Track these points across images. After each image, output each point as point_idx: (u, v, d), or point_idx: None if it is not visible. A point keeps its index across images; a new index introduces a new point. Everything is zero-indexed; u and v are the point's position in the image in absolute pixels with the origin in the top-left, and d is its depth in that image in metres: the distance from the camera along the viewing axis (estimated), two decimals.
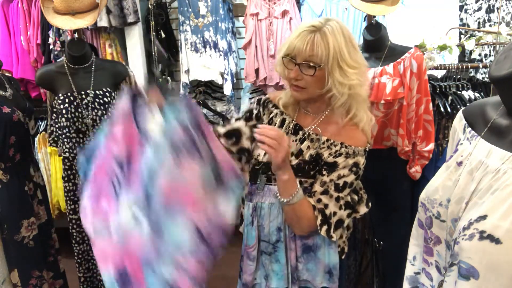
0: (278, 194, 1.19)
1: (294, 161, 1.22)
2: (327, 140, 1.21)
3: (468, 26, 2.89)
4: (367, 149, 1.24)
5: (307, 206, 1.18)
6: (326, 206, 1.19)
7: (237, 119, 1.39)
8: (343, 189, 1.19)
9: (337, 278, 1.28)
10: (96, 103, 1.95)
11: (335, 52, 1.09)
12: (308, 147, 1.22)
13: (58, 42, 2.78)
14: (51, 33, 2.79)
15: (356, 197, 1.27)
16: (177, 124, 0.98)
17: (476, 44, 2.39)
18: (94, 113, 1.94)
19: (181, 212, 0.96)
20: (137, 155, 1.01)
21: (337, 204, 1.19)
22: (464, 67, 2.28)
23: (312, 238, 1.23)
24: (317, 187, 1.19)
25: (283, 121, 1.30)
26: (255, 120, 1.35)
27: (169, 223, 0.95)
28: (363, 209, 1.31)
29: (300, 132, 1.25)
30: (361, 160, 1.21)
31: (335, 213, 1.19)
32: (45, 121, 2.97)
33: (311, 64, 1.11)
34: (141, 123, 1.04)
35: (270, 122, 1.31)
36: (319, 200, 1.19)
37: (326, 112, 1.24)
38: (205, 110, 3.06)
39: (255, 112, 1.36)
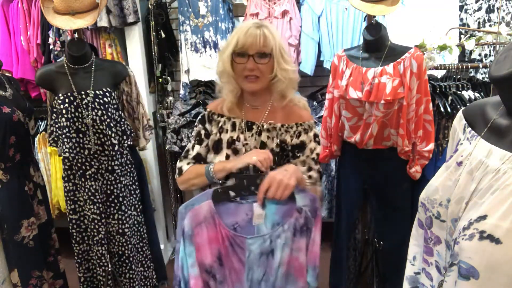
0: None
1: None
2: (282, 126, 1.34)
3: (468, 26, 2.89)
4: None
5: (316, 189, 1.32)
6: (314, 178, 1.35)
7: (191, 148, 1.45)
8: (317, 160, 1.38)
9: None
10: (96, 103, 1.95)
11: (279, 44, 1.29)
12: (268, 137, 1.34)
13: (58, 42, 2.78)
14: (51, 33, 2.79)
15: None
16: (303, 210, 1.19)
17: (476, 44, 2.39)
18: (94, 113, 1.94)
19: (298, 278, 1.20)
20: (229, 253, 1.17)
21: (319, 174, 1.37)
22: (464, 67, 2.28)
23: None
24: (301, 168, 1.32)
25: (233, 124, 1.38)
26: (206, 140, 1.42)
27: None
28: None
29: (254, 127, 1.34)
30: (317, 131, 1.40)
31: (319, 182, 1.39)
32: (45, 121, 2.97)
33: (266, 53, 1.25)
34: (227, 218, 1.17)
35: (221, 131, 1.38)
36: (309, 177, 1.33)
37: (271, 102, 1.37)
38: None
39: (203, 132, 1.43)
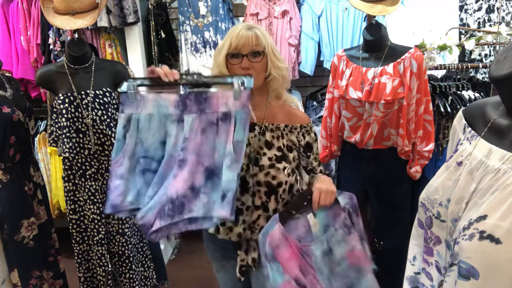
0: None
1: (271, 153, 1.33)
2: (286, 126, 1.38)
3: (468, 26, 2.89)
4: None
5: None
6: (323, 168, 1.46)
7: None
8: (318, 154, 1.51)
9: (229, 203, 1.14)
10: (96, 103, 1.95)
11: (271, 43, 1.33)
12: (273, 137, 1.36)
13: (58, 42, 2.78)
14: (51, 33, 2.79)
15: None
16: (346, 208, 1.31)
17: (476, 44, 2.39)
18: (94, 113, 1.94)
19: (365, 268, 1.30)
20: (307, 267, 1.24)
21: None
22: (464, 67, 2.28)
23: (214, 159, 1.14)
24: (315, 164, 1.44)
25: None
26: None
27: (361, 280, 1.29)
28: None
29: (256, 127, 1.35)
30: (315, 130, 1.49)
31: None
32: (45, 121, 2.97)
33: (259, 51, 1.30)
34: (293, 234, 1.26)
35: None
36: (321, 171, 1.45)
37: (268, 102, 1.40)
38: None
39: None
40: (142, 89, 1.15)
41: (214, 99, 1.12)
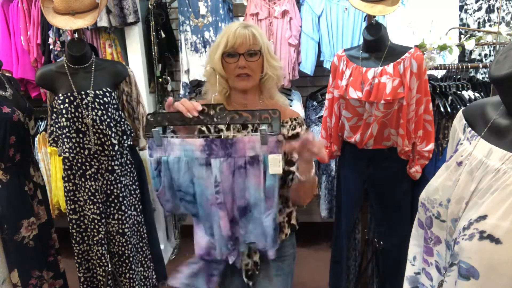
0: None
1: None
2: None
3: (468, 26, 2.88)
4: None
5: (316, 177, 1.33)
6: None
7: None
8: None
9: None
10: (96, 103, 1.95)
11: (266, 43, 1.33)
12: None
13: (58, 42, 2.78)
14: (51, 33, 2.79)
15: None
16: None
17: (476, 44, 2.39)
18: (94, 113, 1.94)
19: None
20: None
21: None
22: (464, 67, 2.28)
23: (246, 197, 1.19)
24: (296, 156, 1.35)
25: (228, 124, 1.39)
26: None
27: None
28: None
29: (249, 125, 1.36)
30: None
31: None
32: (45, 121, 2.97)
33: (255, 50, 1.29)
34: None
35: (216, 131, 1.38)
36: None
37: (261, 101, 1.40)
38: None
39: None
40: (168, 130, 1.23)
41: (241, 144, 1.13)
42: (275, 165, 1.11)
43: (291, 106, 2.86)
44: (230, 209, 1.18)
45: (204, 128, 1.36)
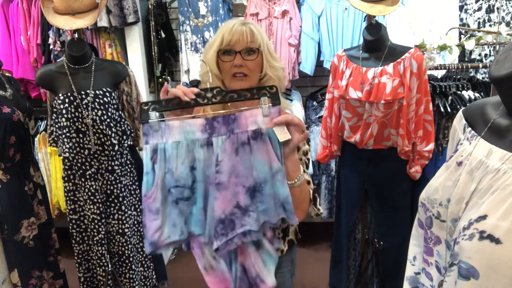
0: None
1: None
2: None
3: (468, 26, 2.89)
4: None
5: (307, 185, 1.19)
6: (309, 182, 1.23)
7: None
8: (308, 164, 1.31)
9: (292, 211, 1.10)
10: (96, 103, 1.95)
11: (266, 41, 1.24)
12: None
13: (58, 42, 2.78)
14: (51, 33, 2.79)
15: None
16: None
17: (476, 44, 2.39)
18: (94, 113, 1.94)
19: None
20: None
21: (310, 178, 1.26)
22: (464, 67, 2.28)
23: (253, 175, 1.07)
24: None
25: None
26: None
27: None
28: None
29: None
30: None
31: (314, 188, 1.27)
32: (45, 121, 2.97)
33: (253, 48, 1.20)
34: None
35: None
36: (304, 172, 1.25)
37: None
38: None
39: None
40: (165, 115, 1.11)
41: (243, 118, 1.06)
42: (282, 132, 1.04)
43: (291, 106, 2.85)
44: (232, 193, 1.07)
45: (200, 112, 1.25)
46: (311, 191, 1.22)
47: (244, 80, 1.22)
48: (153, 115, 1.05)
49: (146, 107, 1.06)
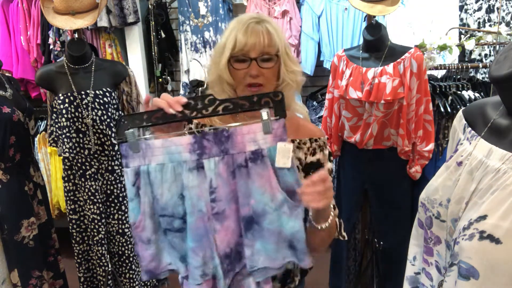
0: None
1: None
2: (293, 141, 1.07)
3: (468, 26, 2.89)
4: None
5: (335, 220, 1.05)
6: (334, 207, 1.07)
7: None
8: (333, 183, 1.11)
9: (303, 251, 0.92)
10: (96, 103, 1.95)
11: (284, 42, 1.06)
12: None
13: (58, 42, 2.78)
14: (51, 33, 2.79)
15: None
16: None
17: (476, 44, 2.39)
18: (94, 113, 1.95)
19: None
20: None
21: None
22: (464, 67, 2.28)
23: (249, 203, 0.90)
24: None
25: None
26: None
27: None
28: None
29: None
30: (330, 150, 1.15)
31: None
32: (45, 121, 2.97)
33: (271, 55, 1.03)
34: None
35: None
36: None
37: None
38: None
39: None
40: (147, 133, 0.97)
41: (239, 136, 0.88)
42: (284, 156, 0.87)
43: (306, 110, 2.80)
44: (233, 221, 0.91)
45: (191, 126, 1.11)
46: (336, 219, 1.07)
47: (260, 91, 1.04)
48: (130, 135, 0.89)
49: (123, 123, 0.90)
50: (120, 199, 2.08)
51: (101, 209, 2.05)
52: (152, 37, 2.98)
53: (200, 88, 3.09)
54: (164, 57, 3.15)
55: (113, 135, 2.00)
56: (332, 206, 1.02)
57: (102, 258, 2.10)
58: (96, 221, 2.05)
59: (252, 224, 0.90)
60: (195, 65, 2.99)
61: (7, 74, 2.42)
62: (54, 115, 1.99)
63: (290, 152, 0.87)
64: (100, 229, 2.06)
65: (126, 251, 2.13)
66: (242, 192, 0.90)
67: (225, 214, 0.90)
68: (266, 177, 0.88)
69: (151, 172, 0.90)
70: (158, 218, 0.93)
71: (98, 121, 1.95)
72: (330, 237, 1.04)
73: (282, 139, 0.88)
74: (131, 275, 2.17)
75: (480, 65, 2.32)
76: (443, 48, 2.30)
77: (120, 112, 2.07)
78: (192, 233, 0.91)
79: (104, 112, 1.96)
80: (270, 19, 1.07)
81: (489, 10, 2.81)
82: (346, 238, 1.10)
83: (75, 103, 1.93)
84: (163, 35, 3.09)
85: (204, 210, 0.90)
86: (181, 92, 3.07)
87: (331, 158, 1.15)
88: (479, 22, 2.86)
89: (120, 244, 2.12)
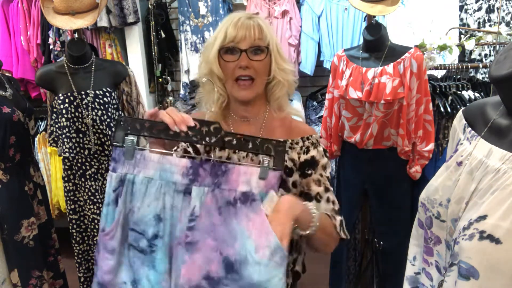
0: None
1: None
2: (285, 141, 1.03)
3: (468, 26, 2.89)
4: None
5: (326, 219, 1.02)
6: (334, 203, 1.07)
7: None
8: (330, 180, 1.13)
9: None
10: (96, 103, 1.95)
11: (276, 39, 1.07)
12: None
13: (58, 42, 2.78)
14: (51, 33, 2.79)
15: None
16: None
17: (476, 44, 2.39)
18: (94, 113, 1.95)
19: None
20: None
21: (335, 197, 1.11)
22: (464, 67, 2.28)
23: (233, 246, 0.86)
24: (316, 188, 1.07)
25: None
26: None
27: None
28: None
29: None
30: (324, 146, 1.14)
31: (339, 208, 1.10)
32: (45, 121, 2.97)
33: (262, 47, 1.03)
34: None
35: (207, 150, 1.09)
36: (328, 200, 1.07)
37: (266, 114, 1.12)
38: None
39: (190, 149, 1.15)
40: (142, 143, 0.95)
41: (235, 174, 0.87)
42: (270, 206, 0.86)
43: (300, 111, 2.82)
44: (204, 258, 0.86)
45: (189, 149, 1.10)
46: (336, 216, 1.05)
47: (250, 87, 1.04)
48: (130, 141, 0.88)
49: (123, 125, 0.88)
50: None
51: (101, 209, 2.05)
52: (152, 37, 2.98)
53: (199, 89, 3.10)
54: (164, 57, 3.15)
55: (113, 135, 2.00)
56: (326, 189, 1.05)
57: None
58: (96, 221, 2.05)
59: (231, 270, 0.85)
60: (195, 65, 3.00)
61: (7, 74, 2.42)
62: (54, 115, 1.99)
63: (274, 198, 0.87)
64: None
65: None
66: (226, 230, 0.86)
67: (197, 246, 0.86)
68: (254, 221, 0.85)
69: (136, 183, 0.88)
70: (128, 231, 0.90)
71: (98, 121, 1.95)
72: (330, 236, 1.02)
73: (274, 189, 0.88)
74: None
75: (480, 65, 2.32)
76: (443, 48, 2.30)
77: (120, 112, 2.07)
78: (167, 258, 0.89)
79: (104, 112, 1.96)
80: (261, 17, 1.08)
81: (489, 10, 2.81)
82: (348, 237, 1.08)
83: (75, 103, 1.93)
84: (163, 35, 3.09)
85: (178, 235, 0.88)
86: (181, 92, 3.07)
87: (327, 154, 1.15)
88: (479, 22, 2.86)
89: None
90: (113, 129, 0.91)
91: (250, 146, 0.89)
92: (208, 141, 0.89)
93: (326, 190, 1.08)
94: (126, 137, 0.88)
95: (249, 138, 0.89)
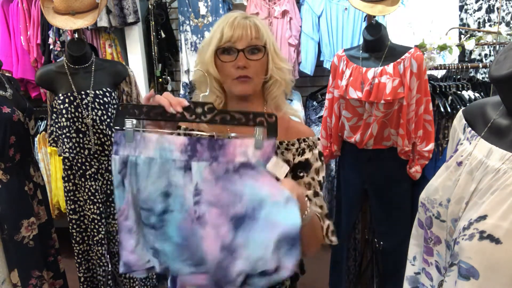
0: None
1: None
2: (281, 143, 1.08)
3: (468, 26, 2.89)
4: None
5: (316, 217, 1.02)
6: (322, 207, 1.07)
7: None
8: (322, 186, 1.11)
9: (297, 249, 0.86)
10: (96, 103, 1.95)
11: (272, 38, 1.07)
12: None
13: (58, 42, 2.79)
14: (51, 33, 2.79)
15: None
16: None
17: (476, 44, 2.39)
18: (94, 113, 1.95)
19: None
20: None
21: (324, 202, 1.10)
22: (464, 67, 2.28)
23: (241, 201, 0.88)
24: (306, 191, 1.05)
25: None
26: None
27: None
28: None
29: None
30: (321, 149, 1.13)
31: (327, 214, 1.09)
32: (45, 121, 2.97)
33: (259, 46, 1.03)
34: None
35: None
36: (316, 204, 1.06)
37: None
38: None
39: None
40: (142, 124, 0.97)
41: (231, 147, 0.90)
42: (277, 171, 0.89)
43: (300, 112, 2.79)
44: (214, 227, 0.90)
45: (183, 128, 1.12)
46: (325, 220, 1.05)
47: (247, 82, 1.05)
48: (129, 123, 0.91)
49: (122, 111, 0.92)
50: None
51: (101, 209, 2.05)
52: (152, 37, 2.98)
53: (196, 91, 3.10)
54: (164, 57, 3.15)
55: (113, 135, 2.00)
56: (315, 193, 1.04)
57: (102, 258, 2.10)
58: (96, 221, 2.05)
59: (242, 221, 0.89)
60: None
61: (7, 74, 2.42)
62: (54, 115, 1.99)
63: (282, 166, 0.89)
64: (100, 229, 2.06)
65: None
66: (231, 193, 0.89)
67: (205, 218, 0.90)
68: (262, 178, 0.88)
69: (139, 164, 0.91)
70: (139, 211, 0.94)
71: (98, 121, 1.95)
72: (315, 235, 1.01)
73: (270, 157, 0.90)
74: (131, 275, 2.17)
75: (480, 65, 2.32)
76: (443, 48, 2.30)
77: None
78: (180, 232, 0.92)
79: (104, 112, 1.96)
80: (257, 17, 1.08)
81: (489, 10, 2.81)
82: (335, 243, 1.06)
83: (75, 103, 1.93)
84: (163, 35, 3.09)
85: (189, 212, 0.91)
86: (181, 92, 3.07)
87: (322, 157, 1.13)
88: (479, 22, 2.86)
89: None
90: (114, 116, 0.92)
91: (244, 119, 0.92)
92: (203, 119, 0.92)
93: (316, 194, 1.07)
94: (126, 119, 0.92)
95: (242, 112, 0.92)
